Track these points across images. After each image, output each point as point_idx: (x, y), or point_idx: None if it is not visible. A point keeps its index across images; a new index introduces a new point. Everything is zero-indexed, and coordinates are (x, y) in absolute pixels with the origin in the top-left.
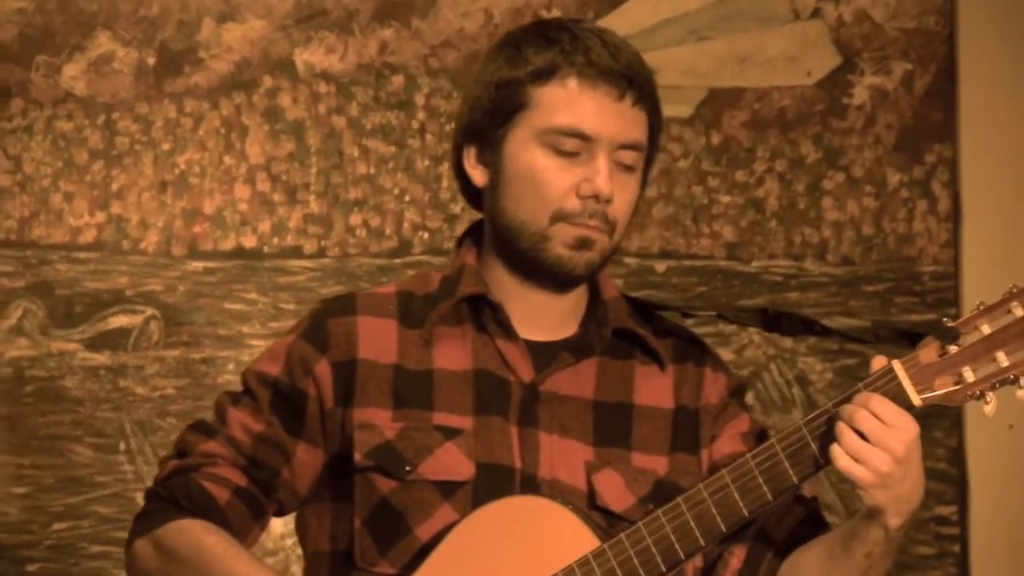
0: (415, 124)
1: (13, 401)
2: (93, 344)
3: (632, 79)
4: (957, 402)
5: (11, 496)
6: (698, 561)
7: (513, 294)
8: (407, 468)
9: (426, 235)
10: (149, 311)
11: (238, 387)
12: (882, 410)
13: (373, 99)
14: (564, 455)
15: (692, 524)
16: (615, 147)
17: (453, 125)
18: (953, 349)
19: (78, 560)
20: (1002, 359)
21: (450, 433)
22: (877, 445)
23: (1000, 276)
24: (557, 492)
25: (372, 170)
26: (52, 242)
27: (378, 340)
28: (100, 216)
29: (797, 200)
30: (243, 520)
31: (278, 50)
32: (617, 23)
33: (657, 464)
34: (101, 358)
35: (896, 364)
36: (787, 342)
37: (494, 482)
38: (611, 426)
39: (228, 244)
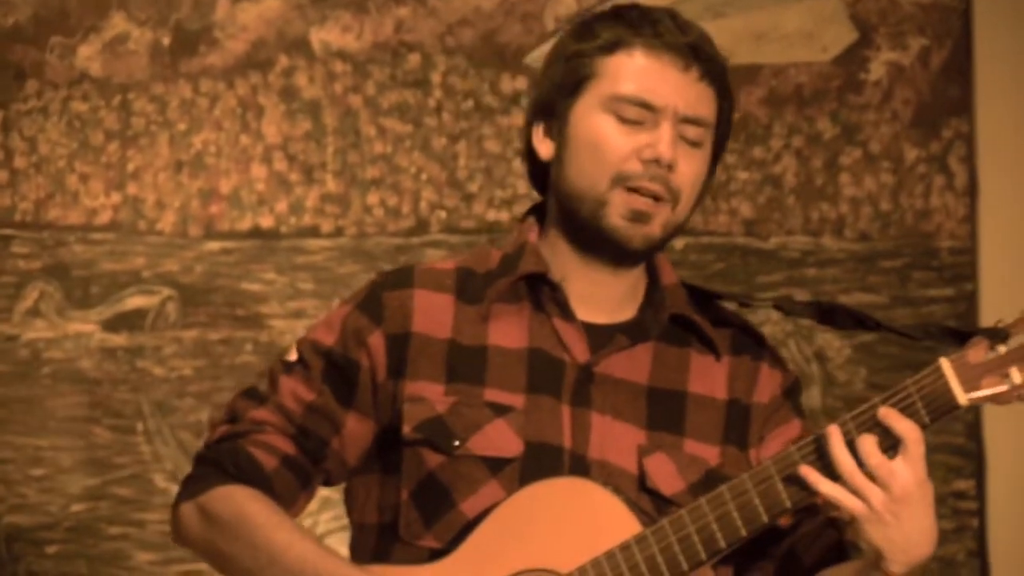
0: (432, 103)
1: (30, 383)
2: (110, 325)
3: (698, 53)
4: (1003, 402)
5: (29, 478)
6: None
7: (573, 273)
8: (455, 443)
9: (443, 214)
10: (166, 292)
11: (292, 355)
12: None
13: (389, 78)
14: (616, 437)
15: (735, 514)
16: (679, 119)
17: (525, 108)
18: (1002, 349)
19: (97, 541)
20: None
21: (500, 410)
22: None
23: (1018, 251)
24: (606, 473)
25: (389, 149)
26: (68, 223)
27: (433, 314)
28: (116, 197)
29: (814, 176)
30: (289, 488)
31: (294, 29)
32: None
33: (709, 453)
34: (118, 339)
35: (944, 362)
36: None
37: (542, 461)
38: (664, 412)
39: (245, 224)
